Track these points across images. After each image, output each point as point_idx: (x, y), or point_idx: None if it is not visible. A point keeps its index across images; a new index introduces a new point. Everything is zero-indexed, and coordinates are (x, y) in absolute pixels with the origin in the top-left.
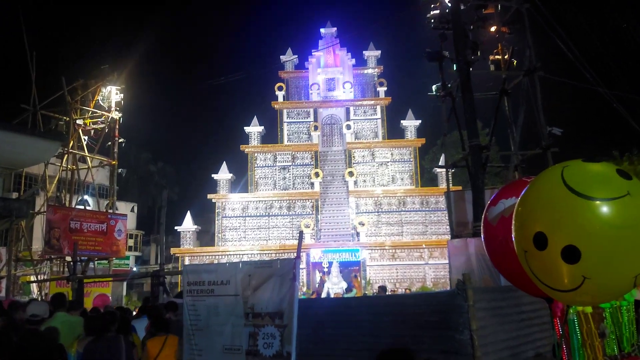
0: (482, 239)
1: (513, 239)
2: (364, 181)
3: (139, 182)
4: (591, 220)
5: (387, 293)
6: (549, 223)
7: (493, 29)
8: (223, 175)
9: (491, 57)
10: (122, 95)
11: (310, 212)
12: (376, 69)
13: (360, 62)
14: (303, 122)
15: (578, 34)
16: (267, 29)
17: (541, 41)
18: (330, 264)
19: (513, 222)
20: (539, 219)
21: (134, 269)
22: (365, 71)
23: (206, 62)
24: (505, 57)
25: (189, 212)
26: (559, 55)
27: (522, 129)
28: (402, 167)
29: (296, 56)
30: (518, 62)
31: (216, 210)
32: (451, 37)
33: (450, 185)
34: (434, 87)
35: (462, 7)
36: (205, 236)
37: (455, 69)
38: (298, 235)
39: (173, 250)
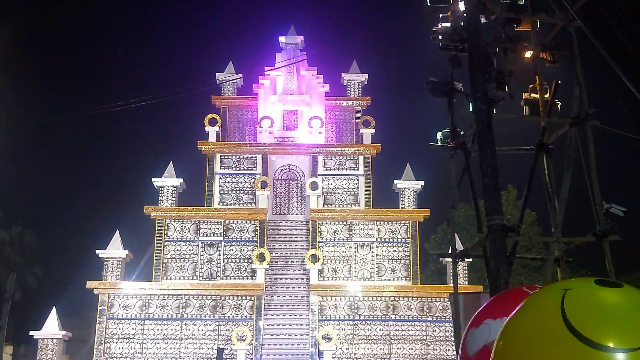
0: None
1: None
2: (334, 271)
3: None
4: None
5: None
6: None
7: (528, 54)
8: (113, 252)
9: (525, 96)
10: None
11: (248, 316)
12: (360, 102)
13: (337, 90)
14: (245, 174)
15: None
16: (197, 29)
17: (598, 75)
18: None
19: None
20: None
21: None
22: (344, 103)
23: (99, 76)
24: (546, 96)
25: (54, 309)
26: (624, 98)
27: (567, 204)
28: (395, 251)
29: (240, 75)
30: (564, 105)
31: (99, 307)
32: (467, 62)
33: (463, 283)
34: (439, 135)
35: (483, 20)
36: (81, 348)
37: (471, 109)
38: (216, 353)
39: None
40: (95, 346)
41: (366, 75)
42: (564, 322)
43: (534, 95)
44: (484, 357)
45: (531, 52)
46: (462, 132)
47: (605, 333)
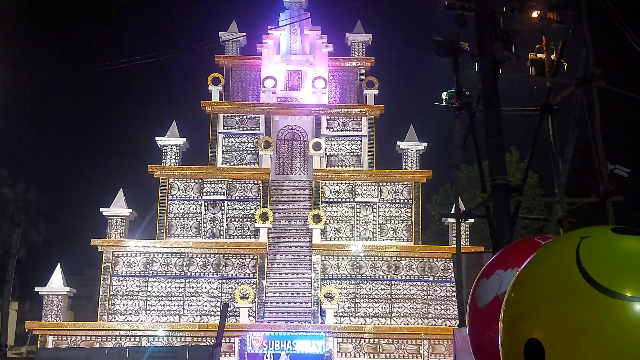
0: (467, 329)
1: (499, 342)
2: (337, 230)
3: None
4: (619, 332)
5: None
6: (549, 328)
7: (535, 14)
8: (117, 210)
9: (531, 56)
10: None
11: (251, 275)
12: (364, 62)
13: (341, 50)
14: (248, 134)
15: None
16: None
17: (606, 37)
18: (277, 357)
19: (501, 317)
20: (535, 318)
21: None
22: (348, 64)
23: (102, 34)
24: (552, 57)
25: (59, 265)
26: (631, 59)
27: (571, 165)
28: (397, 211)
29: (243, 34)
30: (570, 66)
31: (103, 265)
32: (473, 22)
33: (465, 243)
34: (444, 95)
35: None
36: (85, 305)
37: (477, 69)
38: (221, 309)
39: (30, 325)
40: (99, 303)
41: (370, 36)
42: (580, 271)
43: (540, 55)
44: (495, 309)
45: (538, 11)
46: (467, 92)
47: (623, 281)
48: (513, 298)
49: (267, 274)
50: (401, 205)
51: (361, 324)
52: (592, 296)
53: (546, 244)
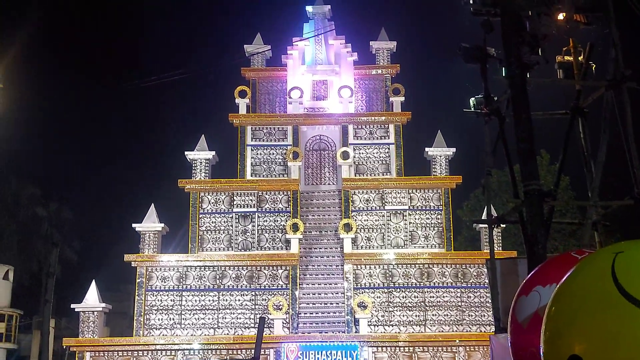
0: (509, 344)
1: (541, 356)
2: (368, 239)
3: (19, 232)
4: None
5: None
6: (589, 344)
7: (562, 16)
8: (149, 224)
9: (559, 59)
10: None
11: (284, 286)
12: (389, 69)
13: (366, 59)
14: (276, 145)
15: None
16: (223, 3)
17: (634, 37)
18: None
19: (542, 330)
20: (575, 334)
21: None
22: (374, 72)
23: (132, 54)
24: (580, 59)
25: (94, 282)
26: None
27: (604, 168)
28: (427, 218)
29: (269, 47)
30: (599, 68)
31: (137, 280)
32: (500, 27)
33: (497, 249)
34: (472, 101)
35: None
36: (121, 320)
37: (505, 74)
38: (258, 322)
39: (67, 342)
40: (135, 318)
41: (395, 43)
42: (616, 286)
43: (568, 58)
44: (535, 324)
45: (564, 14)
46: (495, 98)
47: None
48: (553, 313)
49: (299, 284)
50: (431, 212)
51: (395, 332)
52: (629, 311)
53: (582, 260)
